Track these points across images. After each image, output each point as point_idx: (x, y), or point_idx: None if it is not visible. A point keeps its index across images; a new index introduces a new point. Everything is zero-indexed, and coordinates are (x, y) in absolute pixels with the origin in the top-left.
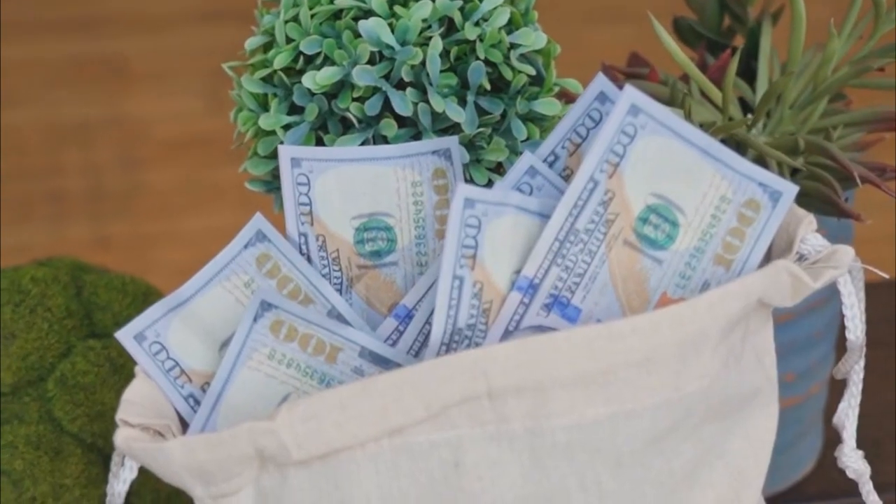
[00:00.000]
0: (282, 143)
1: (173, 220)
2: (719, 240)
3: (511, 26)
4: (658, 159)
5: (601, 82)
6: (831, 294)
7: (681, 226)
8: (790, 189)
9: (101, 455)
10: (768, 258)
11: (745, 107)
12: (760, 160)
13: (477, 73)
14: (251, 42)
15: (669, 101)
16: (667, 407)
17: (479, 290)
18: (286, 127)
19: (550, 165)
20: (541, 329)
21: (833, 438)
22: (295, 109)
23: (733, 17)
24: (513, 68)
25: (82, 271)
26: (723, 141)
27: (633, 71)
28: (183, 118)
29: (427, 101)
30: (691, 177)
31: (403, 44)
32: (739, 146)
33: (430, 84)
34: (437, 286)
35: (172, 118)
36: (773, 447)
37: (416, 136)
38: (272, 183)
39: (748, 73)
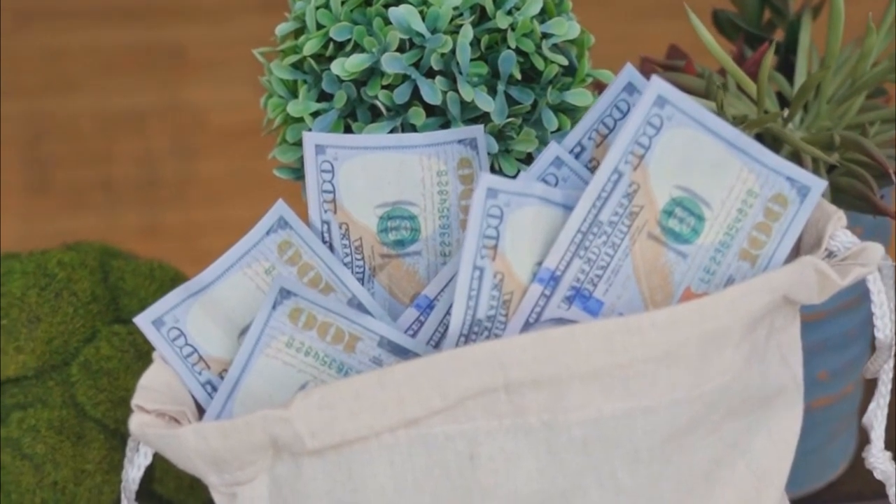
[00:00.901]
0: (310, 130)
1: (224, 209)
2: (745, 234)
3: (544, 16)
4: (684, 151)
5: (629, 73)
6: (866, 292)
7: (706, 219)
8: (818, 184)
9: (123, 441)
10: (797, 254)
11: (783, 101)
12: (795, 155)
13: (507, 63)
14: (282, 28)
15: (706, 95)
16: (686, 403)
17: (499, 281)
18: (315, 114)
19: (577, 156)
20: (561, 322)
21: (867, 439)
22: (324, 97)
23: (774, 10)
24: (545, 58)
25: (111, 256)
26: (758, 135)
27: (670, 63)
28: (238, 107)
29: (456, 90)
30: (718, 170)
31: (434, 31)
32: (775, 141)
33: (460, 73)
34: (457, 276)
35: (227, 107)
36: (805, 447)
37: (445, 126)
38: (300, 170)
39: (787, 67)
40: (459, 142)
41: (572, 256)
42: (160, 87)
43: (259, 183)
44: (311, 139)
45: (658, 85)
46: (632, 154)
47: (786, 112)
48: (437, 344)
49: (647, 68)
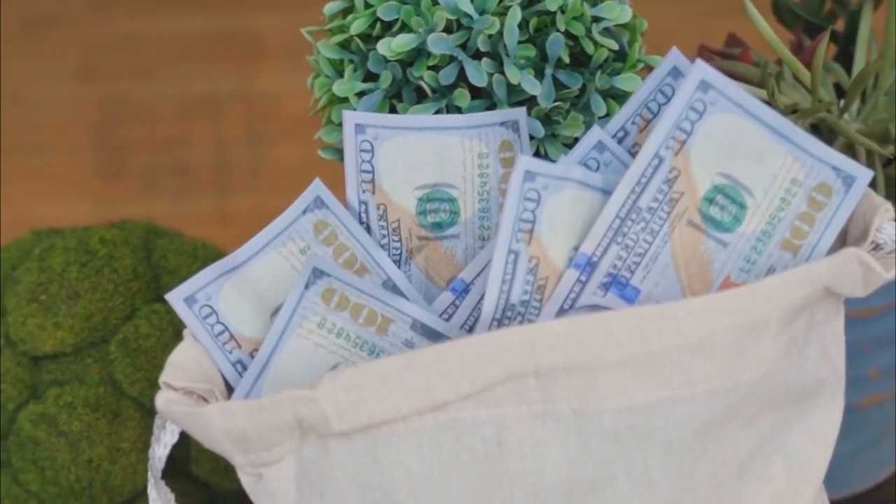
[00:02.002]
0: (354, 110)
1: (293, 196)
2: (788, 224)
3: None
4: (727, 138)
5: (674, 57)
6: None
7: (748, 208)
8: (864, 174)
9: None
10: (842, 246)
11: (841, 93)
12: (850, 147)
13: (556, 46)
14: (330, 7)
15: (760, 84)
16: (722, 394)
17: (534, 265)
18: (360, 94)
19: (620, 141)
20: (597, 309)
21: None
22: (370, 77)
23: (835, 0)
24: (595, 42)
25: (155, 235)
26: (814, 126)
27: (727, 51)
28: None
29: (503, 73)
30: (762, 157)
31: (482, 13)
32: (831, 132)
33: (507, 55)
34: (492, 260)
35: (302, 95)
36: (854, 445)
37: (491, 108)
38: None
39: (847, 58)
40: (501, 124)
41: (610, 242)
42: (236, 73)
43: (330, 171)
44: (350, 118)
45: (702, 69)
46: (673, 139)
47: (841, 103)
48: (470, 328)
49: (704, 56)
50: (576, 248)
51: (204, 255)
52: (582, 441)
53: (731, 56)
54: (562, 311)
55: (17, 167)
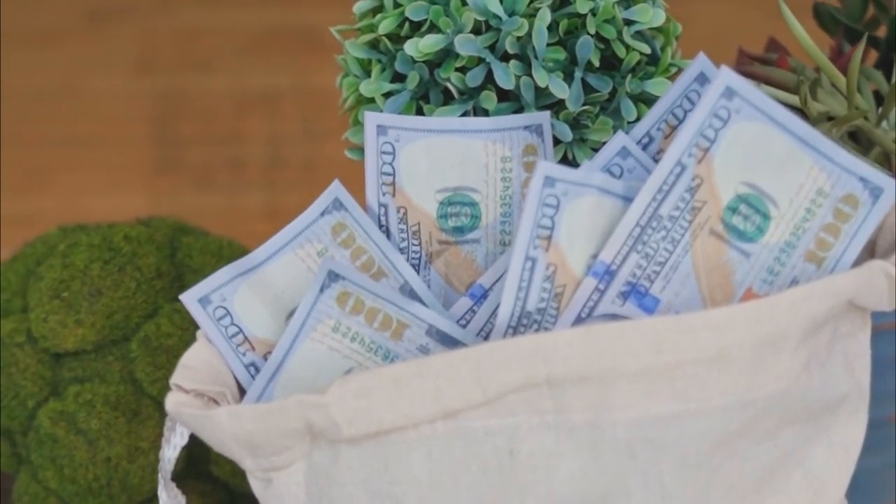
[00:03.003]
0: (381, 111)
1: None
2: (812, 235)
3: (629, 2)
4: (752, 146)
5: (701, 62)
6: None
7: (772, 218)
8: (892, 186)
9: None
10: (871, 259)
11: (881, 100)
12: (887, 157)
13: (585, 49)
14: (360, 6)
15: (796, 90)
16: (739, 408)
17: (552, 272)
18: (387, 95)
19: (644, 147)
20: (615, 318)
21: None
22: (398, 77)
23: (878, 6)
24: (626, 46)
25: (183, 233)
26: (851, 134)
27: (765, 57)
28: None
29: (530, 75)
30: (787, 167)
31: (511, 14)
32: (869, 141)
33: (536, 57)
34: (509, 266)
35: None
36: (884, 461)
37: (519, 111)
38: None
39: (888, 65)
40: (526, 128)
41: (629, 251)
42: (292, 68)
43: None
44: (372, 119)
45: (727, 76)
46: (696, 147)
47: (866, 110)
48: (487, 335)
49: (742, 61)
50: (594, 256)
51: (229, 254)
52: (595, 453)
53: (768, 61)
54: (579, 320)
55: (72, 158)
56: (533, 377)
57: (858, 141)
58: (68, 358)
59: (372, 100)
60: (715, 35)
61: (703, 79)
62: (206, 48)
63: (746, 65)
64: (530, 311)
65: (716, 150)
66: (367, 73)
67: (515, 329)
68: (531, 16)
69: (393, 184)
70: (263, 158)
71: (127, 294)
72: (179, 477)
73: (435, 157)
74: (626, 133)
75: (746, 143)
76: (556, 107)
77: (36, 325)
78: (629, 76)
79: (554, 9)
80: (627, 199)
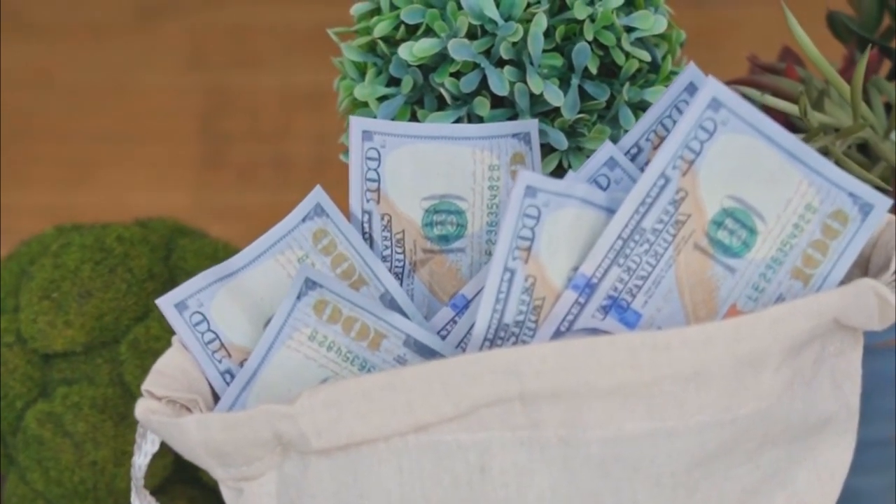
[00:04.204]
0: (374, 115)
1: None
2: (800, 252)
3: (630, 8)
4: (739, 159)
5: (691, 72)
6: None
7: (759, 233)
8: (883, 202)
9: None
10: (864, 276)
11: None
12: (893, 171)
13: (582, 56)
14: (358, 8)
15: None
16: (716, 428)
17: (531, 285)
18: (382, 99)
19: (633, 158)
20: (595, 332)
21: None
22: (394, 81)
23: (893, 16)
24: (626, 53)
25: (180, 234)
26: (859, 147)
27: (773, 66)
28: None
29: (525, 82)
30: (775, 181)
31: (508, 19)
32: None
33: (531, 63)
34: (487, 277)
35: None
36: (886, 481)
37: (514, 118)
38: None
39: None
40: (514, 136)
41: (611, 264)
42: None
43: None
44: (358, 124)
45: (713, 86)
46: (681, 159)
47: (868, 123)
48: (466, 347)
49: (752, 70)
50: (575, 269)
51: (225, 257)
52: (568, 470)
53: (776, 71)
54: (558, 334)
55: (117, 154)
56: (505, 392)
57: (867, 154)
58: (57, 359)
59: (365, 104)
60: (765, 40)
61: (692, 89)
62: (254, 45)
63: (753, 73)
64: (508, 324)
65: (701, 163)
66: (363, 77)
67: (492, 342)
68: (528, 21)
69: (378, 190)
70: (309, 157)
71: (117, 296)
72: (168, 482)
73: (421, 164)
74: (614, 143)
75: (733, 155)
76: (553, 114)
77: (25, 326)
78: (628, 84)
79: (552, 14)
80: (610, 211)
